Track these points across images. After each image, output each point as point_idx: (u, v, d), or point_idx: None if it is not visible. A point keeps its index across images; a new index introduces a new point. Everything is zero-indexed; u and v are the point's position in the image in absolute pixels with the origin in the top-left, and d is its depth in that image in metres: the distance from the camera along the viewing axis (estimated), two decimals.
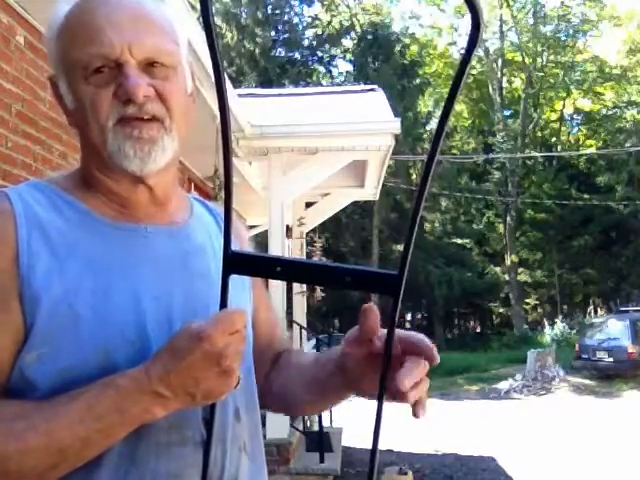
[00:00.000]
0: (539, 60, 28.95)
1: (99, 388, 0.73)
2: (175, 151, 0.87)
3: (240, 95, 5.57)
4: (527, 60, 28.72)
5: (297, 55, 25.44)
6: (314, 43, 26.09)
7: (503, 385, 14.27)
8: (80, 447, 0.73)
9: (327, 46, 26.09)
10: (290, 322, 6.74)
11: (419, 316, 30.57)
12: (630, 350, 13.79)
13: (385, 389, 0.70)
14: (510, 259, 26.14)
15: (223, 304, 0.73)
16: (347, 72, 27.15)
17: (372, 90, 7.10)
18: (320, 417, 5.47)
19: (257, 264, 0.72)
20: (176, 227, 0.93)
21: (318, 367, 0.93)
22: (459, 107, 30.46)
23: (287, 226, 6.55)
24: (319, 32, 26.18)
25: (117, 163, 0.84)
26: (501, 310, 29.45)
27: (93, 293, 0.80)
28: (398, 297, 0.64)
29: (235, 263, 0.70)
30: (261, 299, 1.07)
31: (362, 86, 10.32)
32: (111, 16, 0.82)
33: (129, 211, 0.89)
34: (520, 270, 26.91)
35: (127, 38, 0.81)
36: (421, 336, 0.77)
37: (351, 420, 7.81)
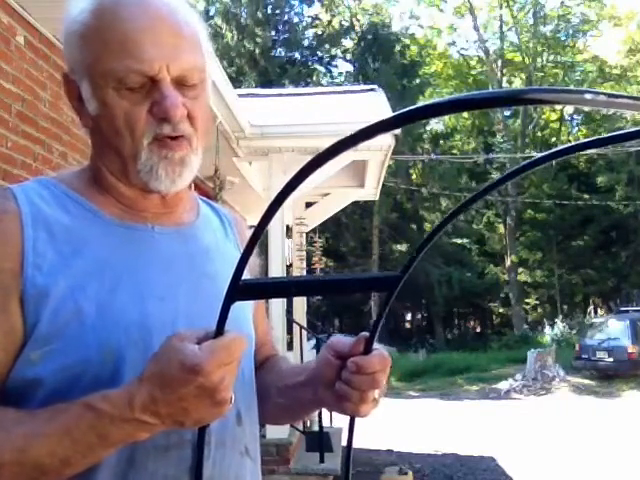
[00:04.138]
0: (539, 60, 28.93)
1: (79, 409, 0.70)
2: (198, 166, 0.88)
3: (240, 95, 5.56)
4: (527, 60, 28.71)
5: (297, 55, 25.41)
6: (314, 43, 26.07)
7: (503, 385, 14.27)
8: (60, 465, 0.71)
9: (327, 46, 26.06)
10: (290, 322, 6.73)
11: (419, 316, 30.57)
12: (630, 350, 13.80)
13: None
14: (510, 259, 26.13)
15: (219, 331, 0.68)
16: (347, 72, 27.15)
17: (372, 90, 7.09)
18: (320, 417, 5.46)
19: (264, 289, 0.68)
20: (183, 228, 0.93)
21: (294, 373, 0.95)
22: None
23: (287, 226, 6.55)
24: (319, 32, 26.17)
25: (144, 180, 0.84)
26: (501, 310, 29.45)
27: (98, 292, 0.80)
28: (393, 293, 0.65)
29: (241, 291, 0.66)
30: (260, 303, 1.07)
31: (362, 86, 10.31)
32: (150, 29, 0.80)
33: (137, 211, 0.89)
34: (520, 270, 26.91)
35: (166, 56, 0.80)
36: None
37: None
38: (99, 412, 0.69)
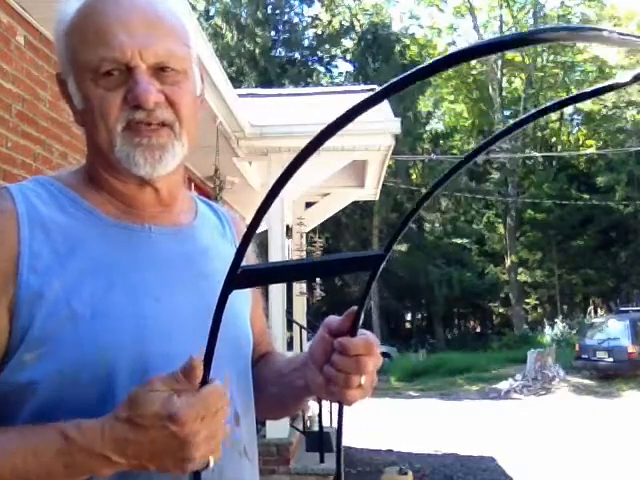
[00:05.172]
0: (539, 60, 28.95)
1: (50, 433, 0.70)
2: (184, 155, 0.87)
3: (240, 95, 5.56)
4: (527, 60, 28.71)
5: (297, 55, 25.44)
6: (314, 43, 26.09)
7: (503, 385, 14.27)
8: None
9: (327, 46, 26.09)
10: (290, 322, 6.74)
11: (419, 316, 30.57)
12: (630, 350, 13.79)
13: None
14: (510, 259, 26.13)
15: (216, 323, 0.65)
16: (347, 72, 27.16)
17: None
18: (320, 417, 5.46)
19: (261, 275, 0.67)
20: (181, 228, 0.92)
21: (287, 362, 0.96)
22: (459, 107, 30.48)
23: (287, 226, 6.55)
24: (319, 32, 26.19)
25: (125, 167, 0.83)
26: (501, 310, 29.46)
27: (93, 292, 0.79)
28: (377, 271, 0.66)
29: (240, 279, 0.64)
30: (258, 301, 1.06)
31: (362, 86, 10.32)
32: (122, 18, 0.80)
33: (134, 211, 0.88)
34: (520, 270, 26.90)
35: (138, 42, 0.80)
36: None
37: (351, 420, 7.79)
38: (68, 439, 0.69)
